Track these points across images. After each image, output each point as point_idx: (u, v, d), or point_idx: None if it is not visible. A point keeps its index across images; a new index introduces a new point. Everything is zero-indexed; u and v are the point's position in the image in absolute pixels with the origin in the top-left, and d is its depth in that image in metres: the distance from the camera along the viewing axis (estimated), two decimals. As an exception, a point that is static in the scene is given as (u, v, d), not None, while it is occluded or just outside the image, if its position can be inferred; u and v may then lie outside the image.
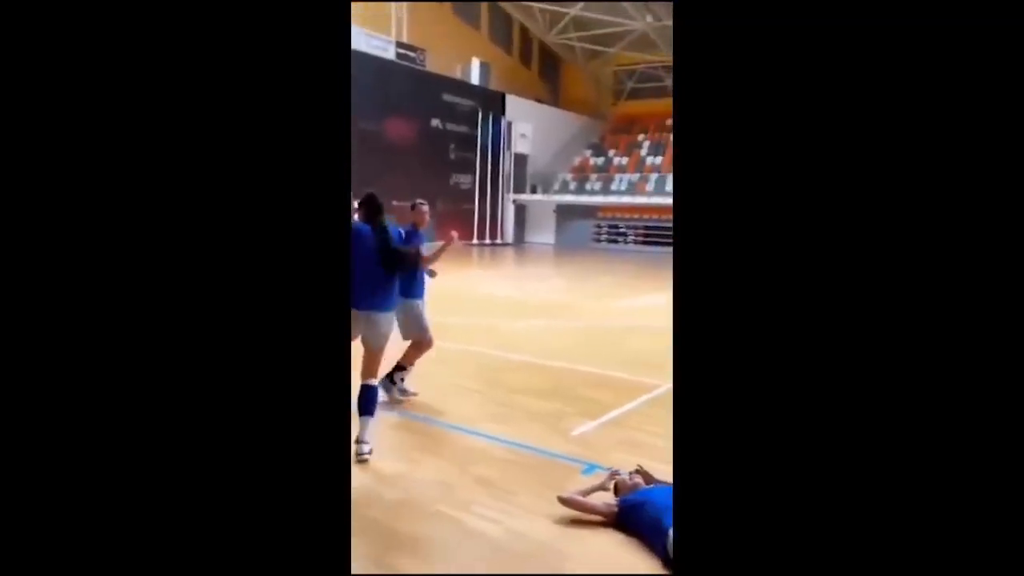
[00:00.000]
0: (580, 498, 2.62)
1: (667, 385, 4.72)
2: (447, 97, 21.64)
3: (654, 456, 3.17)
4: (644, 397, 4.49)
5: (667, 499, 2.45)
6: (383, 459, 3.20)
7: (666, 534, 2.27)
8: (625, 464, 2.91)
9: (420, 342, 4.27)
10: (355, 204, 3.45)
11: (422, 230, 4.29)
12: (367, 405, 3.23)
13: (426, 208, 4.43)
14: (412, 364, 4.31)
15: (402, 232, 3.78)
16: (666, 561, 2.25)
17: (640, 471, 2.78)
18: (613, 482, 2.73)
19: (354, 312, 3.13)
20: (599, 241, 22.79)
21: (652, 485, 2.67)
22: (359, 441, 3.17)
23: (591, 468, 3.11)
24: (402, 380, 4.28)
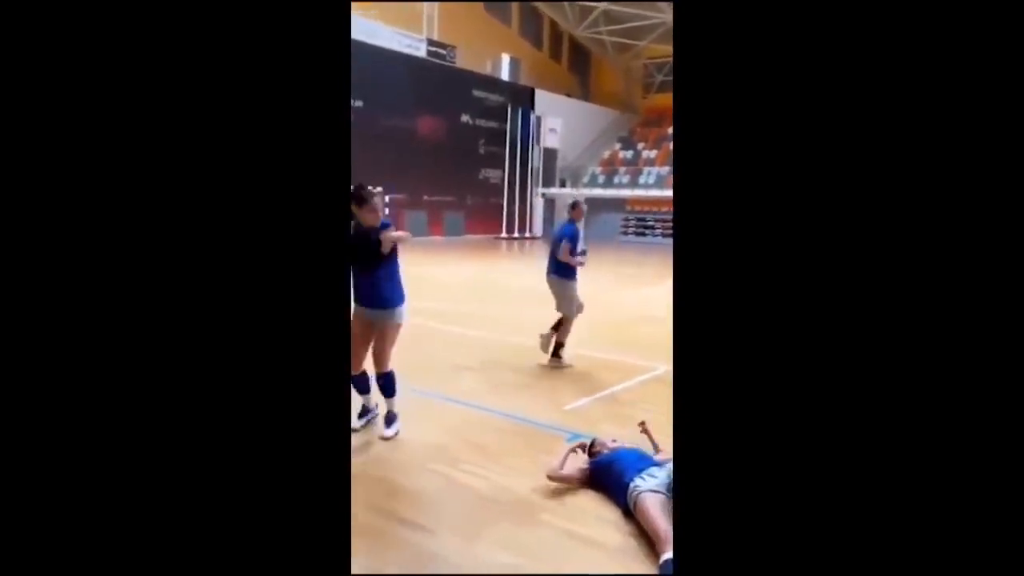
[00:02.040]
0: (560, 472, 2.83)
1: (664, 367, 4.96)
2: (477, 93, 22.00)
3: (637, 427, 3.43)
4: (640, 377, 4.74)
5: (633, 458, 2.71)
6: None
7: (626, 488, 2.53)
8: (611, 434, 3.17)
9: (567, 317, 5.05)
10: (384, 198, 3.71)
11: (578, 223, 5.10)
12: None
13: (584, 206, 5.29)
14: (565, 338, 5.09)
15: (575, 230, 4.95)
16: (626, 512, 2.52)
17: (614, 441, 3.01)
18: (589, 444, 3.00)
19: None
20: (626, 234, 22.90)
21: (623, 447, 2.92)
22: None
23: (574, 436, 3.39)
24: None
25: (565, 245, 4.92)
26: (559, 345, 5.06)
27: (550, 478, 2.83)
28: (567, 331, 5.07)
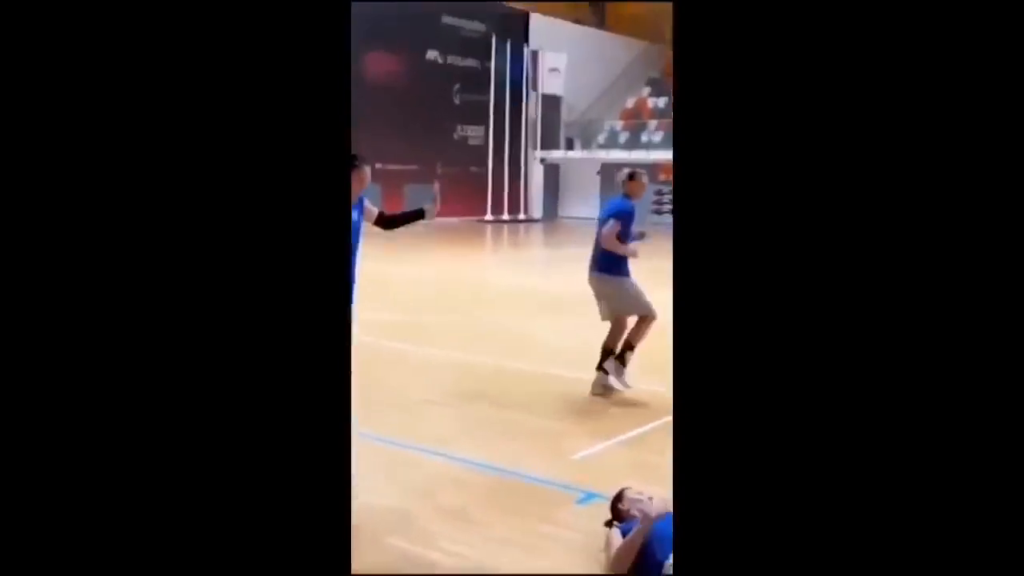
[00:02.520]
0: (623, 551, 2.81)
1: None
2: (448, 20, 22.49)
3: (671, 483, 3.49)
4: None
5: (664, 529, 2.76)
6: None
7: (659, 567, 2.58)
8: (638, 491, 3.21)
9: (646, 317, 5.24)
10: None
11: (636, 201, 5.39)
12: None
13: (646, 179, 5.45)
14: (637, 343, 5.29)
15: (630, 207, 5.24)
16: None
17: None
18: (614, 498, 3.08)
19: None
20: (660, 212, 23.07)
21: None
22: None
23: (589, 497, 3.44)
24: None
25: (611, 227, 5.07)
26: (609, 352, 5.21)
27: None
28: (620, 331, 5.22)
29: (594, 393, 5.16)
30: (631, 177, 5.30)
